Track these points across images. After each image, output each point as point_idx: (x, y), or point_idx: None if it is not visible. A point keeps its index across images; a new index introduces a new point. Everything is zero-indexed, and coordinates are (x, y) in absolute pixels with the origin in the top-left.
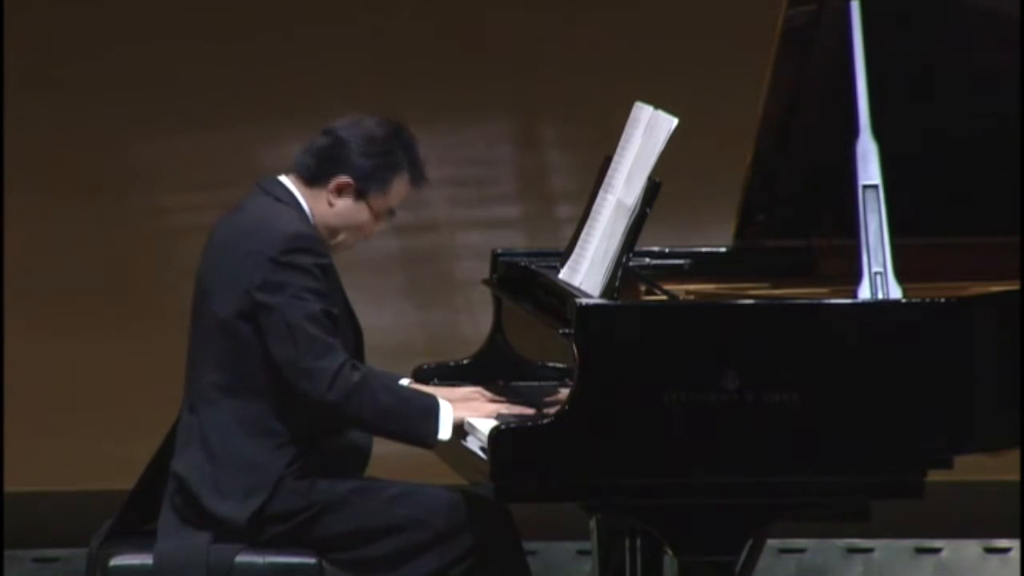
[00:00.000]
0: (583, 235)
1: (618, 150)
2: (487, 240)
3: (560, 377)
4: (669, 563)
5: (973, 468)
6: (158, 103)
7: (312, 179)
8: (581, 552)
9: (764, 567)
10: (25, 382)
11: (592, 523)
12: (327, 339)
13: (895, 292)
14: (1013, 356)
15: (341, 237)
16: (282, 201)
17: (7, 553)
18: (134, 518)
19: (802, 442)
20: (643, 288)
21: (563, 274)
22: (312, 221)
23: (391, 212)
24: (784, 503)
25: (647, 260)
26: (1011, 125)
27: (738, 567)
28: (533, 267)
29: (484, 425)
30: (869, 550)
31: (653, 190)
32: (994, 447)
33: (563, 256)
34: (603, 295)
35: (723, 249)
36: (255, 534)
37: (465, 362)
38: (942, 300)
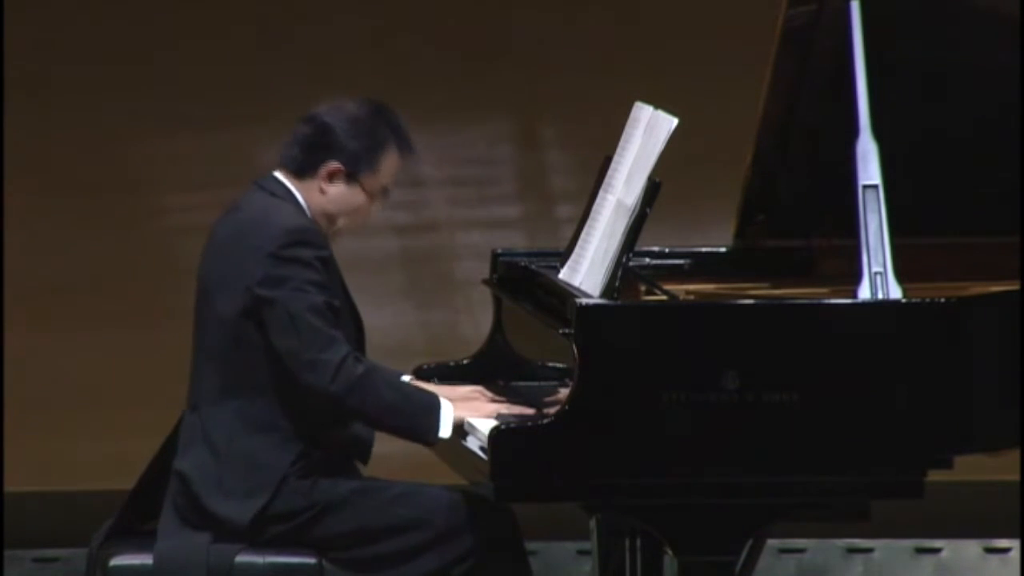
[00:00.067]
0: (583, 235)
1: (618, 150)
2: (487, 240)
3: (560, 377)
4: (669, 563)
5: (973, 468)
6: (158, 103)
7: (301, 170)
8: (581, 552)
9: (764, 567)
10: (25, 382)
11: (592, 523)
12: (330, 331)
13: (895, 292)
14: (1013, 356)
15: (340, 223)
16: (277, 196)
17: (7, 553)
18: (134, 517)
19: (802, 442)
20: (643, 288)
21: (563, 274)
22: (309, 213)
23: (386, 190)
24: (784, 503)
25: (647, 260)
26: (1011, 125)
27: (738, 567)
28: (533, 267)
29: (484, 425)
30: (869, 550)
31: (653, 190)
32: (994, 447)
33: (563, 256)
34: (603, 295)
35: (723, 249)
36: (256, 534)
37: (465, 362)
38: (942, 300)
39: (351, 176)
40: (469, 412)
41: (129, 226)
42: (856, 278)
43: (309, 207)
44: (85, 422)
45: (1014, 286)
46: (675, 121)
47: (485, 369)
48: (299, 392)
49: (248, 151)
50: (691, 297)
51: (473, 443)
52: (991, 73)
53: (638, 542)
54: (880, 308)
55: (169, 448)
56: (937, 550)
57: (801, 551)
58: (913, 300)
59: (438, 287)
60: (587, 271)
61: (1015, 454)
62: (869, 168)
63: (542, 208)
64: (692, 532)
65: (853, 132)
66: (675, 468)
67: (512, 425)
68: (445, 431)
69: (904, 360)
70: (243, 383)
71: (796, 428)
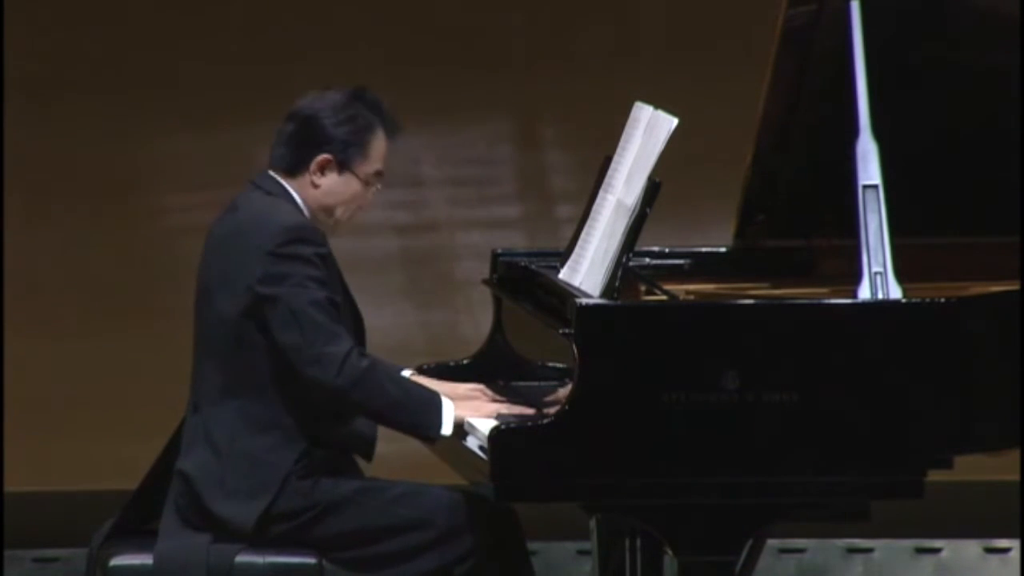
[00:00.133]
0: (583, 235)
1: (618, 150)
2: (487, 240)
3: (560, 377)
4: (669, 563)
5: (973, 468)
6: (158, 103)
7: (292, 167)
8: (581, 552)
9: (764, 567)
10: (25, 382)
11: (592, 523)
12: (333, 325)
13: (895, 292)
14: (1013, 356)
15: (339, 213)
16: (274, 194)
17: (7, 553)
18: (137, 518)
19: (802, 442)
20: (643, 288)
21: (563, 274)
22: (306, 209)
23: (379, 174)
24: (784, 503)
25: (647, 260)
26: (1011, 125)
27: (738, 567)
28: (533, 267)
29: (484, 425)
30: (869, 550)
31: (653, 190)
32: (994, 447)
33: (563, 256)
34: (603, 295)
35: (723, 249)
36: (259, 535)
37: (465, 362)
38: (942, 300)
39: (342, 165)
40: (469, 411)
41: (129, 226)
42: (856, 278)
43: (306, 203)
44: (85, 422)
45: (1014, 286)
46: (675, 121)
47: (485, 369)
48: (302, 389)
49: (248, 151)
50: (691, 297)
51: (473, 443)
52: (991, 73)
53: (638, 542)
54: (880, 308)
55: (172, 449)
56: (937, 550)
57: (801, 551)
58: (913, 300)
59: (438, 287)
60: (587, 271)
61: (1015, 454)
62: (869, 168)
63: (542, 208)
64: (692, 532)
65: (853, 132)
66: (675, 468)
67: (512, 425)
68: (447, 428)
69: (904, 360)
70: (245, 383)
71: (796, 428)
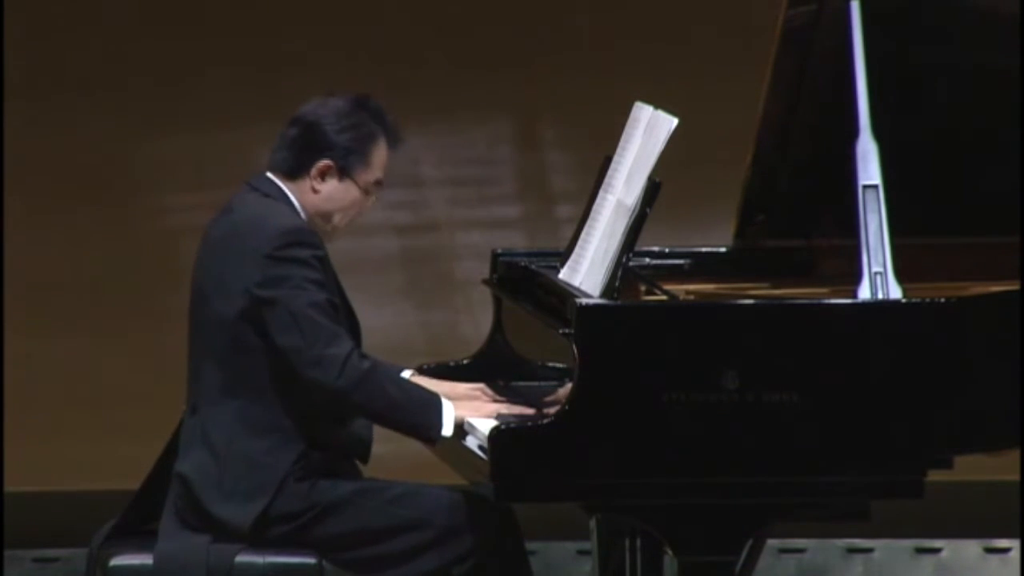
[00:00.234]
0: (583, 235)
1: (618, 150)
2: (487, 240)
3: (560, 377)
4: (669, 563)
5: (973, 468)
6: (158, 104)
7: (293, 171)
8: (581, 552)
9: (764, 567)
10: (25, 382)
11: (592, 523)
12: (333, 327)
13: (895, 292)
14: (1013, 356)
15: (336, 220)
16: (270, 196)
17: (7, 553)
18: (138, 519)
19: (802, 442)
20: (643, 288)
21: (563, 274)
22: (303, 213)
23: (379, 183)
24: (784, 503)
25: (647, 260)
26: (1011, 125)
27: (738, 567)
28: (533, 267)
29: (484, 425)
30: (869, 550)
31: (653, 190)
32: (994, 447)
33: (563, 256)
34: (603, 295)
35: (723, 249)
36: (257, 536)
37: (465, 362)
38: (942, 300)
39: (343, 172)
40: (469, 411)
41: (129, 226)
42: (856, 278)
43: (304, 207)
44: (85, 422)
45: (1014, 286)
46: (675, 121)
47: (485, 369)
48: (301, 391)
49: (248, 151)
50: (691, 297)
51: (473, 443)
52: (991, 73)
53: (638, 542)
54: (880, 308)
55: (172, 450)
56: (937, 550)
57: (801, 551)
58: (913, 300)
59: (438, 287)
60: (587, 271)
61: (1015, 454)
62: (869, 168)
63: (542, 208)
64: (692, 532)
65: (853, 132)
66: (675, 468)
67: (512, 425)
68: (447, 429)
69: (904, 360)
70: (242, 384)
71: (796, 428)
